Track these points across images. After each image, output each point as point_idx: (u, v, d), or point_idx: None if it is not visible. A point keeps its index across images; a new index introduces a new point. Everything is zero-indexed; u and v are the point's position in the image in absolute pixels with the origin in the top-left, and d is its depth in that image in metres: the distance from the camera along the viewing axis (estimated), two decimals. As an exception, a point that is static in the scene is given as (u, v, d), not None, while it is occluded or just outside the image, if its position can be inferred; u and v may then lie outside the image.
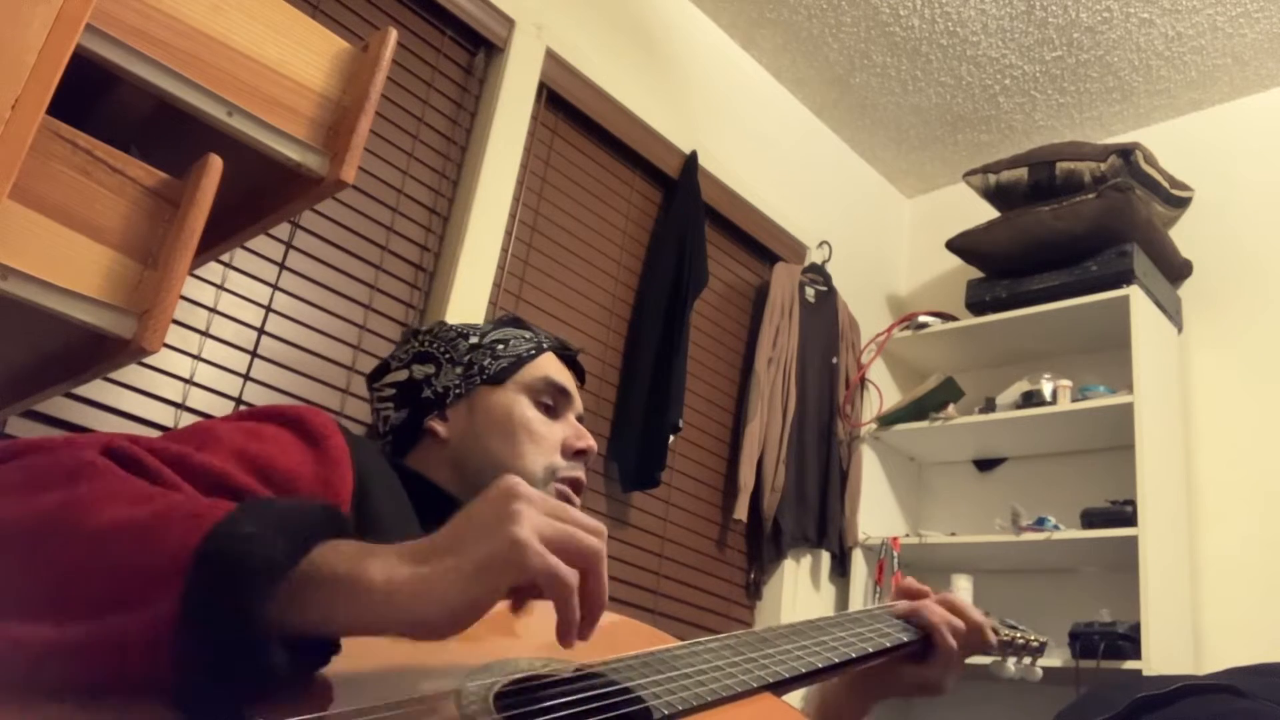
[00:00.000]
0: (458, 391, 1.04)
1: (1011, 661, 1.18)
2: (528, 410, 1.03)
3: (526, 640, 0.67)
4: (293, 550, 0.51)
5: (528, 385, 1.05)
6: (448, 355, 1.06)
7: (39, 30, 0.79)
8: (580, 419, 1.09)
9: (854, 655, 0.90)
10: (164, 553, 0.50)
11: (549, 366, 1.07)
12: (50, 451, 0.63)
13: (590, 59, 2.43)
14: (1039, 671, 1.19)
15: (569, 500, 1.02)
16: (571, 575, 0.56)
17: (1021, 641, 1.18)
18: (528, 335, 1.09)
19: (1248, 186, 2.80)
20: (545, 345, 1.09)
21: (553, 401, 1.06)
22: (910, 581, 1.11)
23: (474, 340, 1.07)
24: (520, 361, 1.06)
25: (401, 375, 1.07)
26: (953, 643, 1.03)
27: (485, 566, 0.53)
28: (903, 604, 1.06)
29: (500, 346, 1.07)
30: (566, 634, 0.57)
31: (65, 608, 0.51)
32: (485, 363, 1.05)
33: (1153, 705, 0.94)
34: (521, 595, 0.60)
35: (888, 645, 0.96)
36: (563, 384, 1.07)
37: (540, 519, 0.56)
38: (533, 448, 1.01)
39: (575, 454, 1.04)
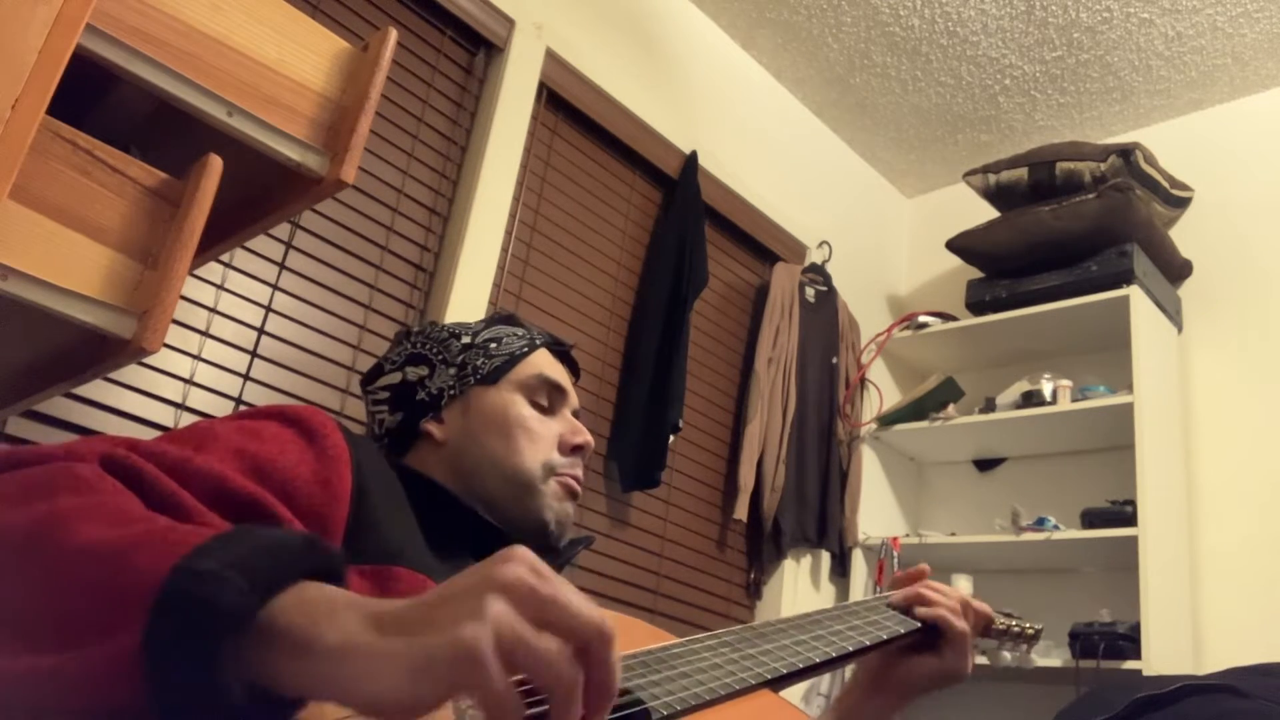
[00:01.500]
0: (452, 393, 1.03)
1: (1008, 649, 1.18)
2: (523, 409, 1.02)
3: None
4: (256, 594, 0.48)
5: (522, 383, 1.04)
6: (441, 356, 1.05)
7: (39, 30, 0.79)
8: (577, 414, 1.08)
9: (851, 649, 0.89)
10: (131, 583, 0.49)
11: (543, 363, 1.06)
12: (45, 462, 0.62)
13: (590, 59, 2.43)
14: (1034, 659, 1.19)
15: (572, 492, 1.02)
16: (517, 709, 0.45)
17: (1017, 629, 1.18)
18: (520, 332, 1.08)
19: (1248, 186, 2.80)
20: (538, 341, 1.08)
21: (548, 398, 1.05)
22: (901, 572, 1.11)
23: (466, 340, 1.06)
24: (514, 360, 1.05)
25: (395, 378, 1.06)
26: (963, 625, 1.03)
27: (427, 665, 0.44)
28: (899, 594, 1.06)
29: (493, 345, 1.06)
30: None
31: (30, 632, 0.50)
32: (478, 363, 1.04)
33: (1153, 705, 0.94)
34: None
35: (885, 638, 0.96)
36: (557, 380, 1.06)
37: (509, 623, 0.45)
38: (529, 446, 1.00)
39: (573, 450, 1.03)
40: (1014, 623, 1.18)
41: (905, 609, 1.04)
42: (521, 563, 0.48)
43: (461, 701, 0.55)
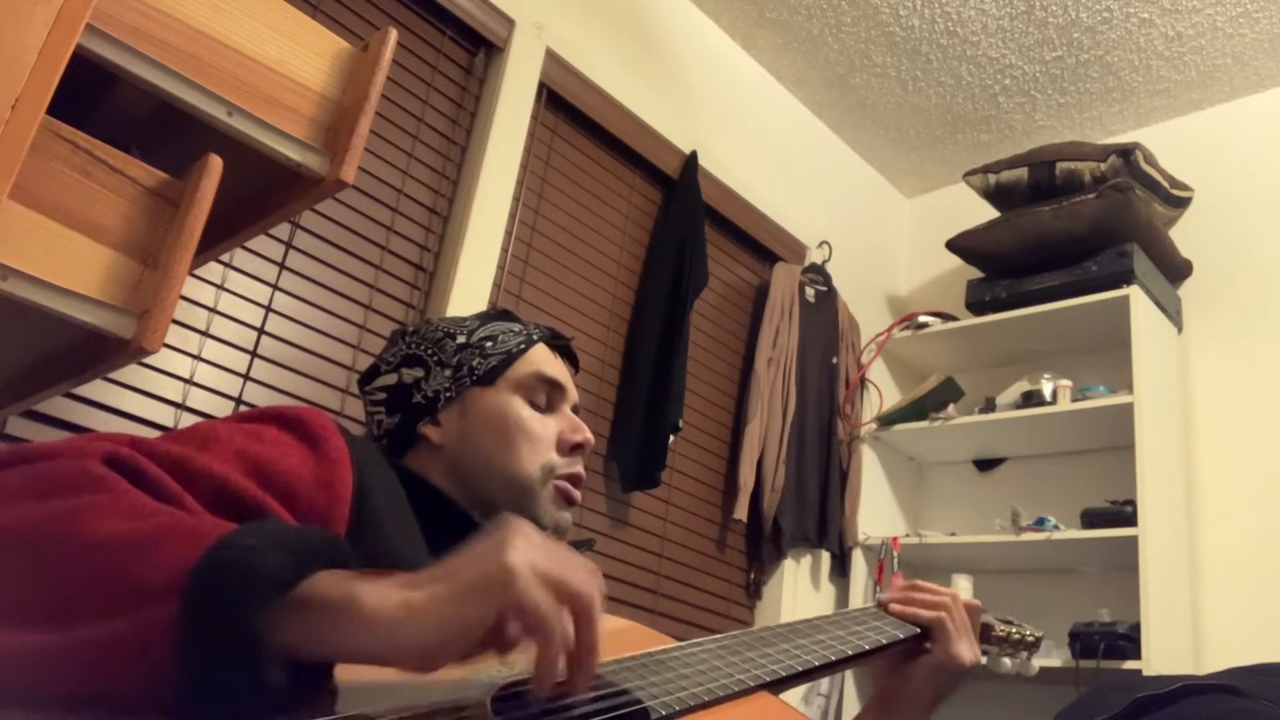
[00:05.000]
0: (448, 395, 1.01)
1: (1007, 657, 1.18)
2: (521, 409, 1.00)
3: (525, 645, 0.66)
4: (291, 567, 0.51)
5: (519, 382, 1.02)
6: (436, 357, 1.04)
7: (39, 30, 0.79)
8: (576, 409, 1.06)
9: (850, 653, 0.90)
10: (161, 566, 0.50)
11: (540, 360, 1.04)
12: (53, 459, 0.63)
13: (590, 59, 2.43)
14: (1035, 666, 1.19)
15: (569, 498, 1.01)
16: (558, 614, 0.53)
17: (1018, 636, 1.18)
18: (516, 329, 1.06)
19: (1248, 186, 2.80)
20: (535, 337, 1.06)
21: (546, 396, 1.03)
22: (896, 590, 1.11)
23: (462, 339, 1.04)
24: (510, 358, 1.03)
25: (391, 379, 1.04)
26: (931, 614, 1.03)
27: (472, 590, 0.52)
28: (895, 606, 1.06)
29: (489, 344, 1.04)
30: (545, 675, 0.53)
31: (59, 617, 0.50)
32: (474, 363, 1.02)
33: (1152, 705, 0.94)
34: (508, 643, 0.55)
35: (884, 642, 0.96)
36: (555, 377, 1.04)
37: (536, 552, 0.54)
38: (528, 448, 0.99)
39: (572, 449, 1.02)
40: (1014, 630, 1.18)
41: (896, 614, 1.05)
42: (525, 523, 0.57)
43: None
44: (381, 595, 0.51)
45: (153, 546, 0.52)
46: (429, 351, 1.04)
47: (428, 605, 0.51)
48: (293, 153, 0.99)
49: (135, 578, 0.51)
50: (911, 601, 1.05)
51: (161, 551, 0.51)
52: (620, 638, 0.78)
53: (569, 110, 2.41)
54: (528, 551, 0.54)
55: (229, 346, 1.75)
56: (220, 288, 1.75)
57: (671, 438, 2.39)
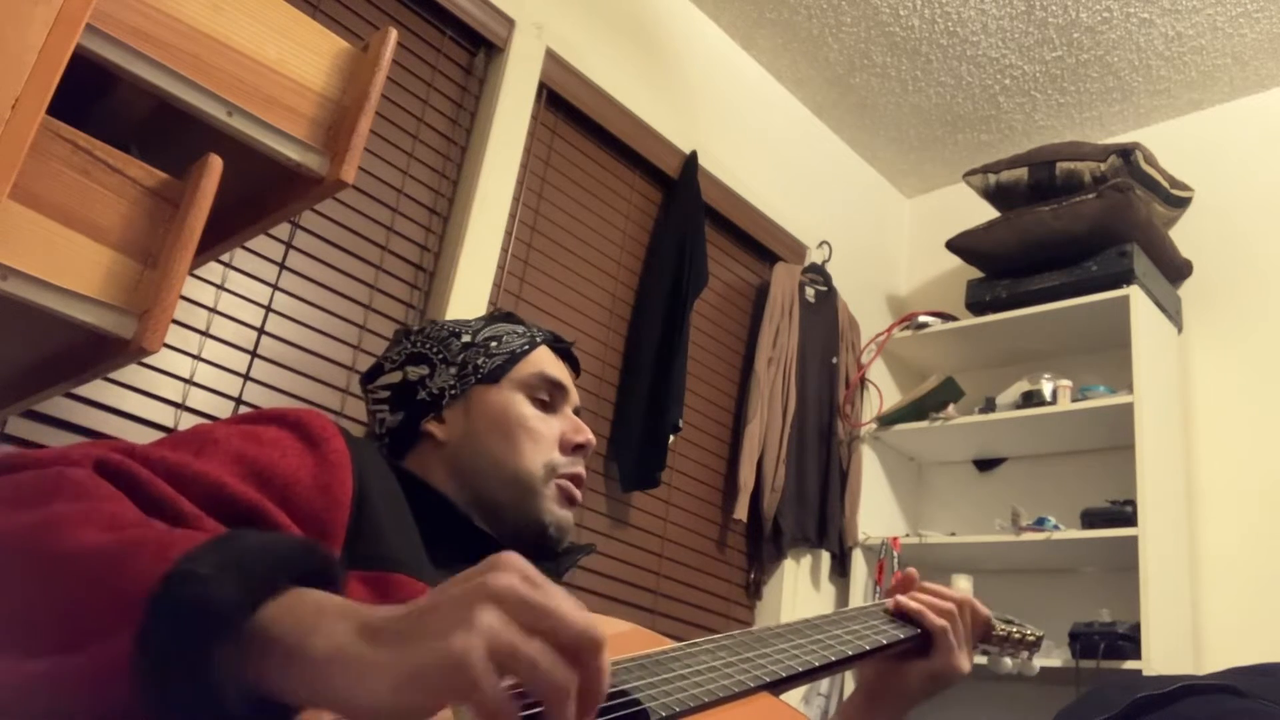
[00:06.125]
0: (453, 392, 1.02)
1: (1008, 657, 1.18)
2: (524, 408, 1.02)
3: None
4: (248, 597, 0.48)
5: (523, 382, 1.03)
6: (441, 355, 1.05)
7: (39, 30, 0.79)
8: (578, 412, 1.08)
9: (850, 654, 0.89)
10: (125, 587, 0.49)
11: (543, 361, 1.06)
12: (39, 467, 0.62)
13: (590, 59, 2.43)
14: (1036, 666, 1.19)
15: (571, 497, 1.01)
16: (512, 709, 0.45)
17: (1018, 636, 1.18)
18: (520, 330, 1.08)
19: (1248, 186, 2.80)
20: (539, 339, 1.08)
21: (549, 397, 1.04)
22: (898, 574, 1.10)
23: (467, 339, 1.06)
24: (514, 358, 1.04)
25: (395, 377, 1.05)
26: (939, 621, 1.02)
27: (416, 676, 0.44)
28: (892, 600, 1.06)
29: (494, 344, 1.05)
30: None
31: (26, 636, 0.50)
32: (479, 361, 1.04)
33: (1153, 705, 0.94)
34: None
35: (884, 642, 0.96)
36: (558, 378, 1.05)
37: (500, 630, 0.45)
38: (531, 446, 1.00)
39: (574, 449, 1.03)
40: (1014, 629, 1.17)
41: (900, 614, 1.04)
42: (512, 569, 0.48)
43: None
44: (338, 641, 0.46)
45: (119, 565, 0.50)
46: (434, 350, 1.05)
47: (375, 673, 0.45)
48: (293, 153, 0.99)
49: (99, 600, 0.49)
50: (920, 602, 1.05)
51: (127, 572, 0.49)
52: (618, 639, 0.78)
53: (569, 110, 2.41)
54: (492, 628, 0.45)
55: (229, 346, 1.75)
56: (220, 288, 1.75)
57: (671, 438, 2.39)
